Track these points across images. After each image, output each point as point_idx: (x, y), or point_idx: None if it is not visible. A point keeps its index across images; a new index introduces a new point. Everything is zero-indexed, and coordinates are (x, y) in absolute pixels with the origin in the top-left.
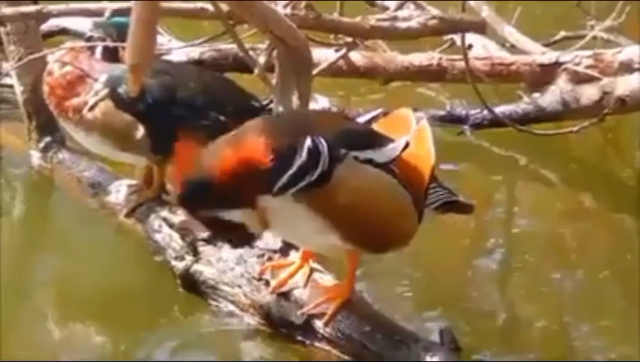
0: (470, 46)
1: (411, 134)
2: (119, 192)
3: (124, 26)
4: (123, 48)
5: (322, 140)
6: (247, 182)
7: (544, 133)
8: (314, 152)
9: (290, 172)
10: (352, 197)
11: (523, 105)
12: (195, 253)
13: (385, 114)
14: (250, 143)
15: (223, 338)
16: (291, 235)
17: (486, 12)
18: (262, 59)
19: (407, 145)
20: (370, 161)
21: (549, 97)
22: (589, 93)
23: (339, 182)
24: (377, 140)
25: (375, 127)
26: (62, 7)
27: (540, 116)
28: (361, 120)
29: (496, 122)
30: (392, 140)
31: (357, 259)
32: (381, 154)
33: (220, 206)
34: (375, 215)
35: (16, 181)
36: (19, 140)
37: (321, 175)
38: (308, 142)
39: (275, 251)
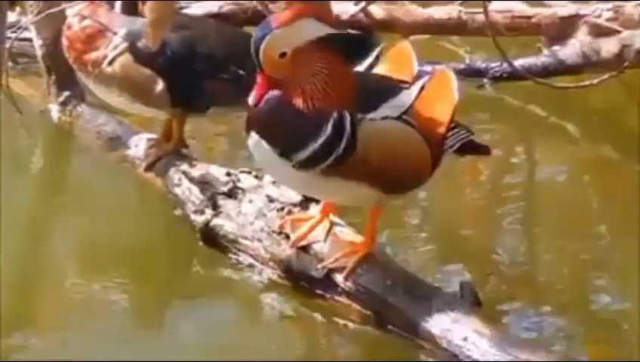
0: None
1: (425, 80)
2: (138, 146)
3: None
4: (142, 2)
5: (347, 113)
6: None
7: (564, 86)
8: (338, 127)
9: (315, 146)
10: (374, 158)
11: (543, 58)
12: (215, 206)
13: (384, 49)
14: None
15: (243, 292)
16: (310, 193)
17: None
18: None
19: (421, 91)
20: (385, 117)
21: (569, 50)
22: (608, 46)
23: (360, 148)
24: (389, 91)
25: (380, 65)
26: None
27: (560, 69)
28: (365, 62)
29: (515, 75)
30: (403, 86)
31: (378, 213)
32: (395, 107)
33: None
34: (394, 165)
35: (36, 135)
36: (38, 94)
37: (346, 149)
38: (334, 115)
39: (295, 205)
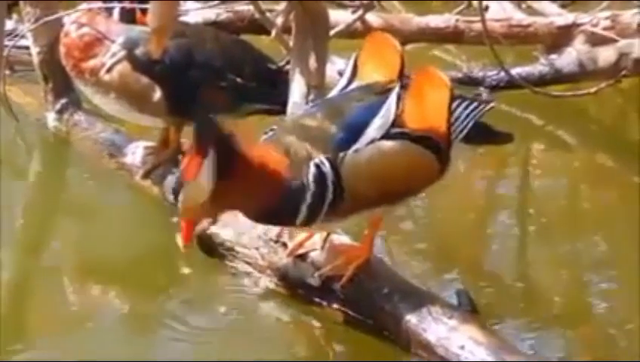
0: (487, 7)
1: (404, 82)
2: (135, 154)
3: None
4: (140, 10)
5: (324, 160)
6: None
7: (561, 95)
8: (320, 178)
9: (306, 204)
10: (367, 187)
11: (540, 66)
12: None
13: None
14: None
15: (240, 300)
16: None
17: None
18: (279, 21)
19: (403, 94)
20: (371, 142)
21: (566, 59)
22: (606, 55)
23: (349, 185)
24: (371, 111)
25: (360, 73)
26: None
27: (557, 78)
28: (345, 75)
29: (512, 84)
30: (385, 92)
31: (379, 221)
32: (379, 127)
33: None
34: (391, 184)
35: (33, 143)
36: (35, 102)
37: (335, 192)
38: (312, 169)
39: None
